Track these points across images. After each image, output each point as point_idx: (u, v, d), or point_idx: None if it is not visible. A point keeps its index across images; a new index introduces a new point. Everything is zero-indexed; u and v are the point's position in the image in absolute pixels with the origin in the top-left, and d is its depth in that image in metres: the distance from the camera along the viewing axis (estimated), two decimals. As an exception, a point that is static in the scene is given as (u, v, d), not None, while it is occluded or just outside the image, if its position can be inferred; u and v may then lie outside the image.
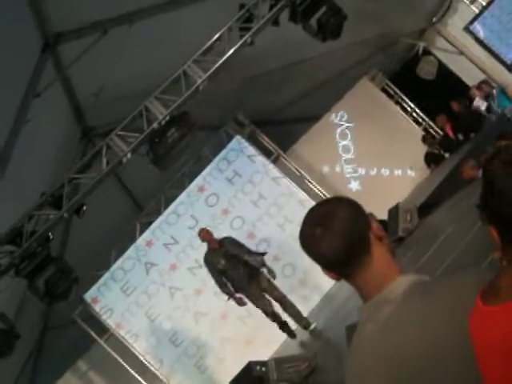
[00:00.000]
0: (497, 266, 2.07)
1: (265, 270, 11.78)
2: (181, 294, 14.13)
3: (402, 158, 16.36)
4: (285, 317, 12.11)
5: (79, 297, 13.28)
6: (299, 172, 15.52)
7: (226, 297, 11.94)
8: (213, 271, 11.76)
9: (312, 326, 11.98)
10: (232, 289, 11.75)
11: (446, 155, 15.57)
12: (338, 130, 16.58)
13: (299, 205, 14.08)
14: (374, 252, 2.29)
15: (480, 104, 13.14)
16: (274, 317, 11.92)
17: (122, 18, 10.24)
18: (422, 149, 16.37)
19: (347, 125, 16.57)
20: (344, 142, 16.58)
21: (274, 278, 11.80)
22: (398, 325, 2.19)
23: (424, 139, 16.33)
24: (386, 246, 2.34)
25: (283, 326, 12.08)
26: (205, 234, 11.86)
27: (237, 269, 11.60)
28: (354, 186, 16.34)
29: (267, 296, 11.81)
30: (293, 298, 12.42)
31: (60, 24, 9.78)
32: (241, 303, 11.79)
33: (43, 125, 10.46)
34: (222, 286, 11.75)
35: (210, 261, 11.79)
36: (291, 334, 12.21)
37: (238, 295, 11.76)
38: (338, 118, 16.58)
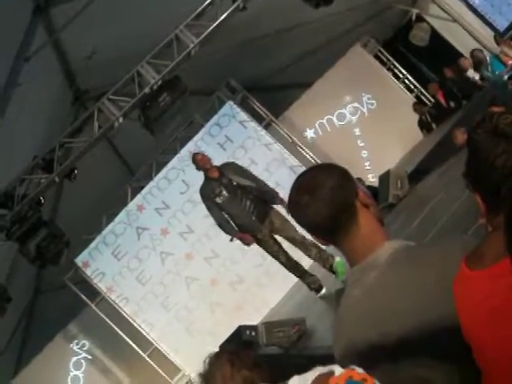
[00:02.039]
0: (482, 232, 2.11)
1: (278, 207, 9.75)
2: (172, 258, 14.17)
3: (393, 125, 16.36)
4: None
5: (70, 260, 13.31)
6: (291, 138, 15.51)
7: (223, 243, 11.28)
8: (211, 206, 9.79)
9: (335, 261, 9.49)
10: (236, 227, 9.80)
11: (434, 126, 15.58)
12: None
13: (290, 170, 14.12)
14: (361, 219, 2.32)
15: (473, 75, 13.14)
16: (290, 263, 9.99)
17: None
18: (414, 115, 16.37)
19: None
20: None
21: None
22: (383, 288, 2.24)
23: (414, 107, 16.31)
24: (373, 213, 2.37)
25: (303, 275, 10.12)
26: (201, 159, 9.84)
27: (242, 203, 9.67)
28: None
29: (279, 238, 9.93)
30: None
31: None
32: (247, 241, 9.92)
33: (35, 89, 10.44)
34: (223, 224, 9.85)
35: (207, 193, 9.76)
36: (316, 284, 9.96)
37: (244, 234, 9.81)
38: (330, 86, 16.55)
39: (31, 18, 9.89)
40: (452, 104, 14.64)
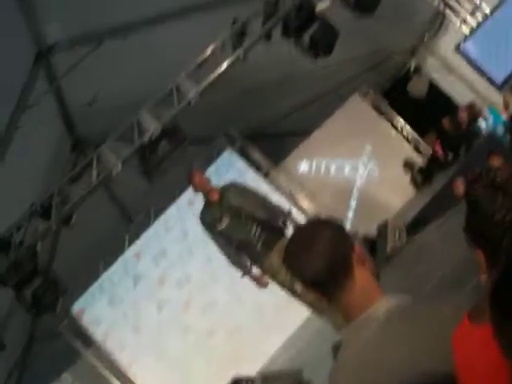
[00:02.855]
0: (482, 289, 2.10)
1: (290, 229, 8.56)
2: (168, 307, 14.06)
3: (392, 174, 16.40)
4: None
5: (66, 308, 13.23)
6: (289, 187, 15.53)
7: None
8: (213, 235, 8.77)
9: None
10: (247, 259, 8.72)
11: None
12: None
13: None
14: (357, 274, 2.34)
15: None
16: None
17: (116, 29, 10.28)
18: (413, 166, 16.43)
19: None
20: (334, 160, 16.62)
21: None
22: (377, 347, 2.25)
23: (405, 167, 16.35)
24: (368, 269, 2.39)
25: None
26: (199, 181, 8.90)
27: (246, 229, 8.50)
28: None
29: None
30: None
31: (54, 34, 9.82)
32: (261, 283, 8.80)
33: (35, 135, 10.48)
34: (231, 256, 8.70)
35: (207, 220, 8.78)
36: None
37: (255, 272, 8.77)
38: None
39: (33, 65, 9.95)
40: (450, 155, 14.70)
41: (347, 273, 2.32)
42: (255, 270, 8.78)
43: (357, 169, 16.41)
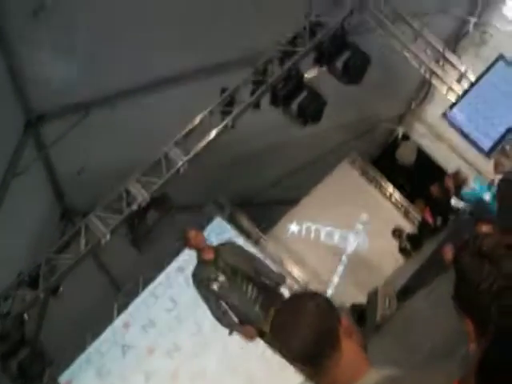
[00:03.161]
0: (470, 358, 2.08)
1: (285, 291, 8.61)
2: (157, 378, 13.85)
3: (381, 240, 16.39)
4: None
5: (53, 379, 13.02)
6: (279, 255, 15.49)
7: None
8: (206, 295, 8.23)
9: None
10: (235, 318, 8.28)
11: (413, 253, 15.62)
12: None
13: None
14: (344, 347, 2.32)
15: (457, 203, 13.32)
16: None
17: (103, 99, 10.38)
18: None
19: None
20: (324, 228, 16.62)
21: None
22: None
23: (393, 234, 16.36)
24: (355, 341, 2.37)
25: None
26: (195, 238, 8.30)
27: (242, 290, 8.16)
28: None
29: None
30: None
31: (42, 104, 9.89)
32: (249, 336, 8.26)
33: (23, 204, 10.45)
34: (220, 316, 8.23)
35: (201, 279, 8.22)
36: None
37: (245, 328, 8.25)
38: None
39: (22, 134, 9.99)
40: (439, 220, 14.72)
41: (334, 346, 2.29)
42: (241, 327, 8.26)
43: (347, 237, 16.39)
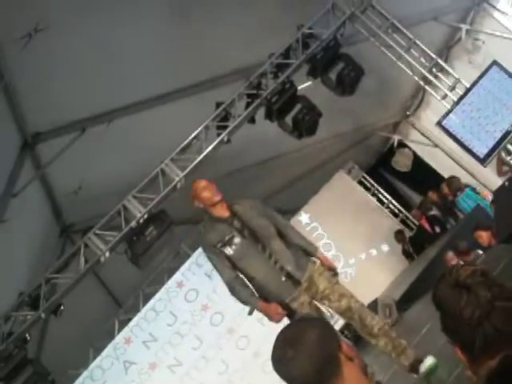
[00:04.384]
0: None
1: (318, 262, 6.81)
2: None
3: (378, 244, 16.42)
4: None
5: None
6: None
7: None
8: (217, 261, 6.64)
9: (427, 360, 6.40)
10: (256, 293, 6.65)
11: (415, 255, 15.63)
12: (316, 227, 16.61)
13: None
14: (345, 372, 2.31)
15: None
16: None
17: (99, 116, 10.41)
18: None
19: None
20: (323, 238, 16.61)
21: (336, 273, 6.89)
22: None
23: (396, 236, 16.38)
24: (357, 365, 2.37)
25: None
26: (206, 187, 6.78)
27: (265, 256, 6.54)
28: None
29: (323, 307, 6.92)
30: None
31: (38, 123, 9.91)
32: (276, 316, 6.55)
33: (21, 223, 10.45)
34: (236, 288, 6.64)
35: (211, 241, 6.65)
36: None
37: (270, 304, 6.56)
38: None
39: (18, 154, 10.01)
40: (437, 229, 14.74)
41: (336, 373, 2.29)
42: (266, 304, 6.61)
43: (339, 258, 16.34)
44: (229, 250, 6.52)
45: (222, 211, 6.71)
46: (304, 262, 6.68)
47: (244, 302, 6.67)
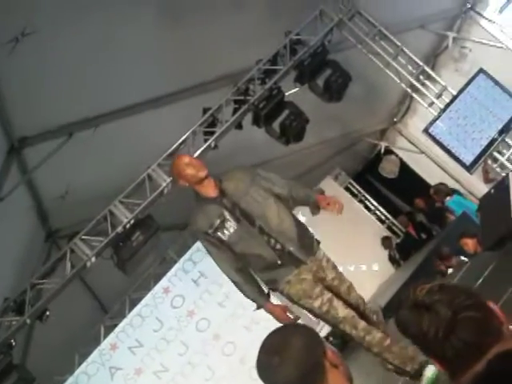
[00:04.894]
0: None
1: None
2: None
3: (366, 256, 16.41)
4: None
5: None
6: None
7: None
8: (212, 248, 5.93)
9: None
10: (264, 288, 6.06)
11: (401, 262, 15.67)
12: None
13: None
14: (330, 379, 2.31)
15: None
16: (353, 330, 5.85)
17: (86, 121, 10.37)
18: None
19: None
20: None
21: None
22: None
23: (383, 242, 16.43)
24: (342, 372, 2.37)
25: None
26: (190, 163, 6.00)
27: (263, 240, 5.81)
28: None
29: (327, 293, 5.94)
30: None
31: (25, 128, 9.87)
32: (284, 317, 5.85)
33: (7, 228, 10.40)
34: (240, 285, 5.94)
35: (202, 226, 5.92)
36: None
37: (278, 306, 5.97)
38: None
39: (5, 158, 9.97)
40: (423, 235, 14.79)
41: (320, 379, 2.29)
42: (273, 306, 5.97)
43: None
44: (223, 234, 5.79)
45: (209, 190, 5.91)
46: (309, 243, 6.03)
47: (249, 298, 6.01)
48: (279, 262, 5.82)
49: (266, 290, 6.08)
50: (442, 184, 14.10)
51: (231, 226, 5.81)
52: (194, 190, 6.00)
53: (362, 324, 5.91)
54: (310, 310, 6.03)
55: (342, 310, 5.86)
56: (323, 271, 6.02)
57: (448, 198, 13.39)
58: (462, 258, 10.62)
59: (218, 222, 5.80)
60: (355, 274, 16.07)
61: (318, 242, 6.25)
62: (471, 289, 2.16)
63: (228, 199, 5.89)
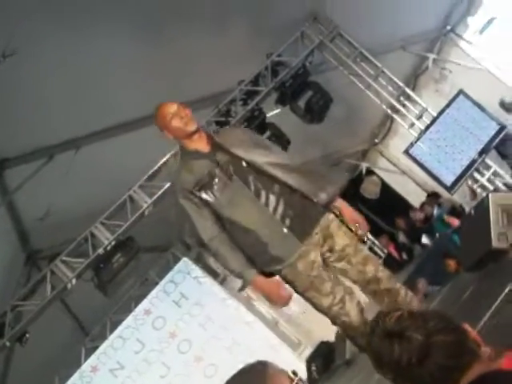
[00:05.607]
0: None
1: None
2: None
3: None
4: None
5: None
6: (247, 293, 15.44)
7: None
8: (192, 210, 4.85)
9: None
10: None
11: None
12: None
13: (247, 326, 13.94)
14: None
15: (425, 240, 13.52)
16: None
17: (67, 143, 10.35)
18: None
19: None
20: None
21: (363, 238, 5.37)
22: None
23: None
24: None
25: None
26: (178, 113, 4.98)
27: (258, 200, 4.82)
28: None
29: (348, 282, 5.19)
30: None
31: (6, 149, 9.85)
32: (281, 297, 4.90)
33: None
34: (221, 251, 4.85)
35: (186, 184, 4.87)
36: None
37: (270, 280, 4.89)
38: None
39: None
40: (404, 256, 14.80)
41: None
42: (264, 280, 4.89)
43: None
44: (209, 195, 4.79)
45: (200, 143, 4.96)
46: (314, 213, 4.97)
47: (233, 272, 4.89)
48: (285, 231, 4.79)
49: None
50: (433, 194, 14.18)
51: (222, 184, 4.81)
52: (181, 143, 5.04)
53: None
54: (317, 307, 5.06)
55: (354, 315, 5.01)
56: (331, 238, 4.98)
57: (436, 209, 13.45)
58: (434, 288, 10.60)
59: (207, 179, 4.81)
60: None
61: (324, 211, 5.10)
62: (442, 312, 2.15)
63: (222, 153, 4.91)
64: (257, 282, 4.83)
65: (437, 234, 13.27)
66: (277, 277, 4.96)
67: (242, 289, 5.21)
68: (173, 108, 5.03)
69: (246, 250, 4.84)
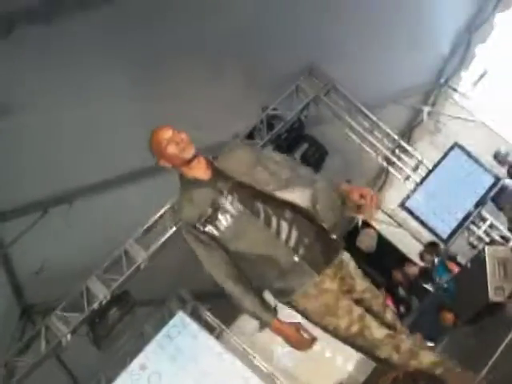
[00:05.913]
0: None
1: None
2: None
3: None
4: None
5: None
6: (242, 347, 15.30)
7: None
8: (200, 248, 4.49)
9: None
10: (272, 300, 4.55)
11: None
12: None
13: (244, 382, 13.79)
14: None
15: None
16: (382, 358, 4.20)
17: (62, 197, 10.33)
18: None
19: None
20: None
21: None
22: None
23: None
24: None
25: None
26: (174, 138, 4.63)
27: (269, 230, 4.35)
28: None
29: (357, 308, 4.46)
30: None
31: (1, 203, 9.83)
32: (301, 343, 4.44)
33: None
34: (239, 296, 4.53)
35: (190, 219, 4.47)
36: None
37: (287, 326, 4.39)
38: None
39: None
40: (402, 309, 14.71)
41: None
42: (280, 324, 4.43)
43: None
44: (215, 227, 4.38)
45: (199, 171, 4.58)
46: (332, 243, 4.62)
47: (253, 315, 4.52)
48: (296, 259, 4.32)
49: (272, 304, 4.51)
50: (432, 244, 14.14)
51: (227, 215, 4.37)
52: (180, 172, 4.67)
53: (406, 344, 4.20)
54: (335, 333, 4.52)
55: (377, 330, 4.38)
56: (351, 278, 4.58)
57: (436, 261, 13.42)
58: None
59: (210, 211, 4.38)
60: (334, 351, 15.98)
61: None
62: (433, 373, 2.15)
63: (224, 181, 4.46)
64: (276, 324, 4.42)
65: (437, 278, 13.20)
66: (298, 318, 4.52)
67: (260, 330, 4.53)
68: (167, 133, 4.65)
69: (255, 283, 4.47)
